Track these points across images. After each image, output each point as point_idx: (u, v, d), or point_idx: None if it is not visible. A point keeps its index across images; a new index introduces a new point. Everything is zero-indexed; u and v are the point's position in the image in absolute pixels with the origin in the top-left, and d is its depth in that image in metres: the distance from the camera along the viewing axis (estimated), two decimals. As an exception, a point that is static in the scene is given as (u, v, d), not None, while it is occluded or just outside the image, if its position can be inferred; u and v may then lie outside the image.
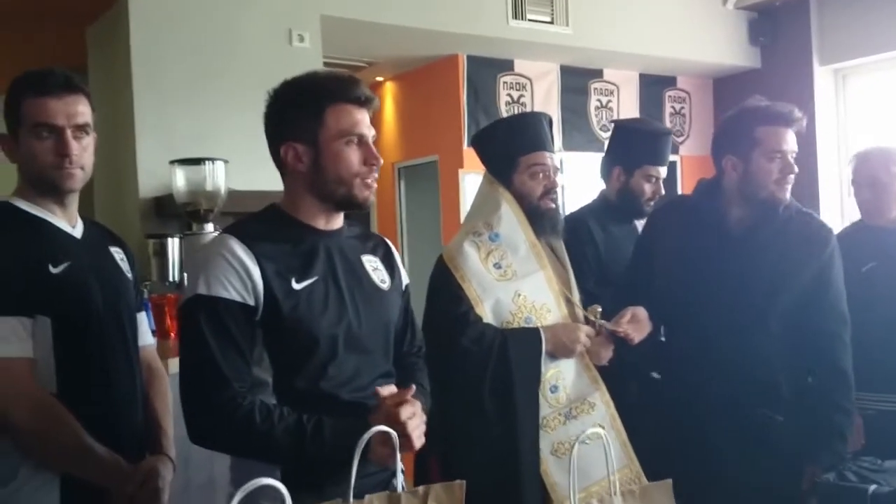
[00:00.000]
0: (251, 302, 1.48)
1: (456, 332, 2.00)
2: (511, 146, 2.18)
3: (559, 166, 2.23)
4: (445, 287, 2.11)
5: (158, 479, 1.78)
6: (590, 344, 2.14)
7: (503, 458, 2.01)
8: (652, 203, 2.73)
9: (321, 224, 1.62)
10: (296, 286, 1.52)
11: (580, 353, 2.12)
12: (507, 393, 2.03)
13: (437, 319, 2.01)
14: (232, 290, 1.47)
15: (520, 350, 2.02)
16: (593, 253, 2.62)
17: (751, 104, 2.23)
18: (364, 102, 1.58)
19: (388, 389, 1.53)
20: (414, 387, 1.55)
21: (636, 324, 2.21)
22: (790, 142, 2.15)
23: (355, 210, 1.63)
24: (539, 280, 2.12)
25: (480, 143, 2.33)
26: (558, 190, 2.19)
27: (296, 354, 1.53)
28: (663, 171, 2.74)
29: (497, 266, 2.08)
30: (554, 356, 2.09)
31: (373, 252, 1.72)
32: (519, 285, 2.09)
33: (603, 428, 2.01)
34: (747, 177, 2.18)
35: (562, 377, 2.10)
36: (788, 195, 2.17)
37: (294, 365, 1.53)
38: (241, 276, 1.48)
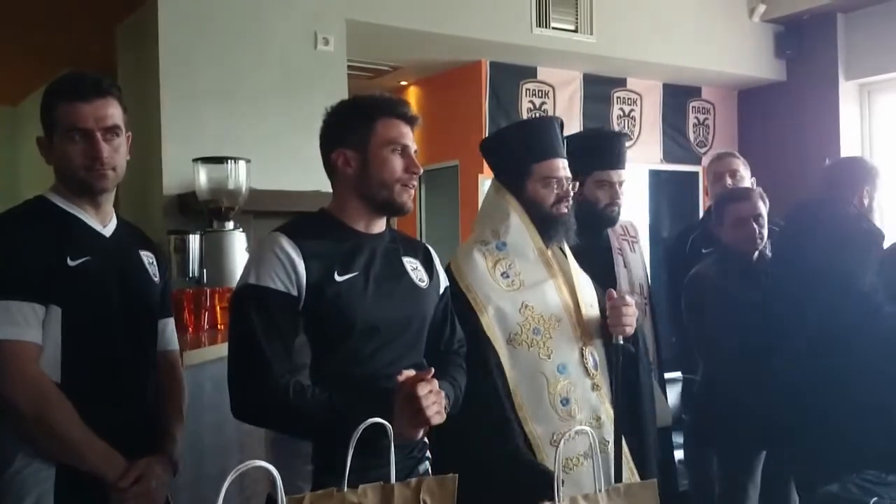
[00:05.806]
0: (294, 292, 1.63)
1: None
2: (524, 153, 2.13)
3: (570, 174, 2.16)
4: None
5: (152, 479, 1.77)
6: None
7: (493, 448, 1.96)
8: (613, 209, 2.60)
9: (362, 227, 1.77)
10: (338, 278, 1.67)
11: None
12: None
13: None
14: (278, 282, 1.63)
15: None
16: None
17: None
18: (410, 120, 1.77)
19: (407, 373, 1.62)
20: (433, 369, 1.63)
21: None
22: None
23: (395, 214, 1.79)
24: (548, 289, 2.08)
25: (490, 148, 2.28)
26: (570, 197, 2.15)
27: (332, 339, 1.67)
28: (616, 175, 2.59)
29: (505, 275, 2.05)
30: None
31: (413, 255, 1.86)
32: (526, 296, 2.04)
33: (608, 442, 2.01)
34: None
35: (572, 390, 2.02)
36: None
37: (330, 349, 1.67)
38: (287, 269, 1.63)
